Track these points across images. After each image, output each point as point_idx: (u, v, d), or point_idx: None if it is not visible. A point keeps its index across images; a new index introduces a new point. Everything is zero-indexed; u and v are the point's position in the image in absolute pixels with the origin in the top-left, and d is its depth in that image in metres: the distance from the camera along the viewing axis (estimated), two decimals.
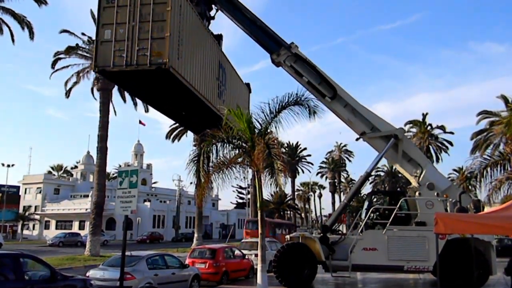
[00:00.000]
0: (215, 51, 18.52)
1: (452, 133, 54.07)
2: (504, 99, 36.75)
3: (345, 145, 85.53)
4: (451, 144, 53.83)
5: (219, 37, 19.38)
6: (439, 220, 7.10)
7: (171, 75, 13.79)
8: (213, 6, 18.44)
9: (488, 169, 18.81)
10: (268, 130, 15.37)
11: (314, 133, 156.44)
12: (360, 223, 16.26)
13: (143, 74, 14.09)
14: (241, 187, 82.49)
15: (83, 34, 31.94)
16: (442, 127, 53.14)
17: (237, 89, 22.07)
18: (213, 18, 18.82)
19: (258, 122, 15.50)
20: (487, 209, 14.77)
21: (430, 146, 52.01)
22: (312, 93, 17.42)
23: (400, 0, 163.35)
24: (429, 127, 52.62)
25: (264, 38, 18.03)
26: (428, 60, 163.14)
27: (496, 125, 33.66)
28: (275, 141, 15.77)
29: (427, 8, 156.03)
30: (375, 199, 18.71)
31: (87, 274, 12.68)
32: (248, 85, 24.13)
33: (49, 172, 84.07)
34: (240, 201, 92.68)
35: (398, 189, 65.73)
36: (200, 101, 16.47)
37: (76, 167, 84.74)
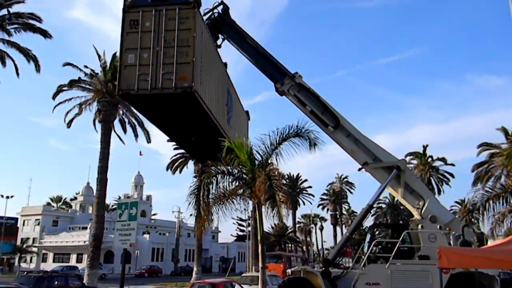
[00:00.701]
0: (225, 78, 18.97)
1: (453, 165, 54.02)
2: (504, 131, 36.92)
3: (346, 177, 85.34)
4: (452, 176, 53.72)
5: (225, 65, 19.78)
6: (442, 254, 7.00)
7: (194, 99, 13.99)
8: (220, 35, 18.83)
9: (490, 201, 18.66)
10: (269, 162, 15.40)
11: (315, 165, 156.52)
12: (363, 256, 16.00)
13: (167, 98, 14.24)
14: (241, 219, 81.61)
15: (85, 67, 32.45)
16: (443, 159, 53.15)
17: (240, 116, 22.37)
18: (219, 46, 19.17)
19: (259, 153, 15.57)
20: (490, 242, 14.57)
21: (432, 178, 51.85)
22: (315, 122, 17.55)
23: (398, 35, 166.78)
24: (429, 159, 52.63)
25: (269, 68, 18.32)
26: (427, 92, 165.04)
27: (496, 157, 33.71)
28: (276, 172, 15.78)
29: (425, 43, 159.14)
30: (377, 232, 18.47)
31: None
32: (247, 112, 24.45)
33: (48, 204, 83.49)
34: (241, 233, 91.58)
35: (400, 221, 65.09)
36: (214, 126, 16.63)
37: (75, 198, 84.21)
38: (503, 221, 18.60)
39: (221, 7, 18.64)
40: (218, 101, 17.21)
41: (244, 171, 15.59)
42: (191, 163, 43.81)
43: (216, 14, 18.50)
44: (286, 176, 69.56)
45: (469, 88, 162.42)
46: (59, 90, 32.19)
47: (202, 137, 18.06)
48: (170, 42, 13.99)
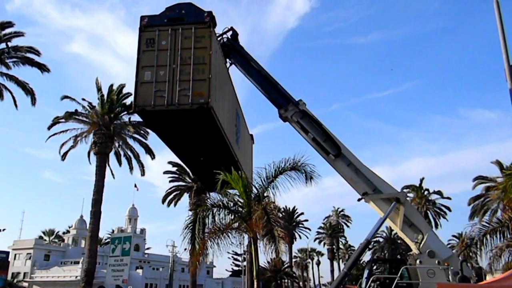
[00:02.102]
0: (234, 99, 19.22)
1: (449, 198, 53.89)
2: (499, 164, 37.10)
3: (342, 210, 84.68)
4: (449, 209, 53.51)
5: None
6: None
7: (210, 115, 14.16)
8: (227, 60, 19.09)
9: (488, 236, 18.52)
10: (265, 195, 15.31)
11: (311, 198, 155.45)
12: None
13: (183, 114, 14.40)
14: (236, 254, 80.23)
15: (83, 99, 32.70)
16: (439, 192, 53.08)
17: (246, 139, 22.50)
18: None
19: (255, 187, 15.49)
20: (489, 278, 14.35)
21: (428, 212, 51.61)
22: (317, 150, 17.61)
23: (392, 70, 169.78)
24: (426, 192, 52.54)
25: (274, 94, 18.54)
26: (422, 125, 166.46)
27: (492, 191, 33.70)
28: (272, 205, 15.66)
29: (417, 77, 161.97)
30: (375, 267, 18.19)
31: None
32: (252, 136, 24.58)
33: (40, 237, 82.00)
34: (236, 268, 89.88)
35: (398, 256, 64.21)
36: (225, 145, 16.71)
37: (68, 231, 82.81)
38: (501, 255, 18.42)
39: (230, 32, 19.05)
40: (229, 121, 17.38)
41: (240, 204, 15.46)
42: (186, 196, 43.49)
43: (225, 39, 18.88)
44: (282, 209, 69.08)
45: (463, 122, 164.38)
46: (55, 122, 32.35)
47: (212, 157, 18.09)
48: (186, 59, 14.30)
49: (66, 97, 32.07)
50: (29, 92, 27.95)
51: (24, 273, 66.67)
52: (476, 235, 19.04)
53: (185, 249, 15.53)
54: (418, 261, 15.77)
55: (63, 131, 32.70)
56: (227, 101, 17.19)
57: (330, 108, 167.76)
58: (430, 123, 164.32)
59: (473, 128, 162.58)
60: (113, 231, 65.62)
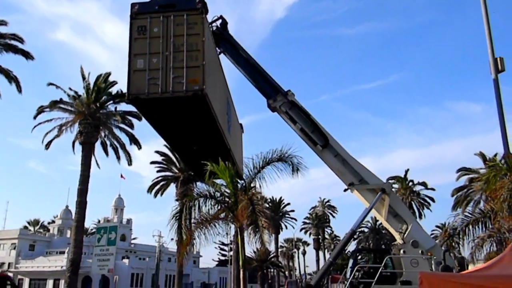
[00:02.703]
0: (226, 86, 19.10)
1: (433, 189, 54.74)
2: (482, 156, 37.73)
3: (328, 201, 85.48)
4: (433, 200, 54.40)
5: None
6: (424, 279, 7.00)
7: (204, 102, 14.05)
8: (217, 49, 18.99)
9: (470, 226, 18.88)
10: (252, 186, 15.38)
11: (298, 189, 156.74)
12: (345, 282, 15.91)
13: (177, 101, 14.26)
14: (223, 244, 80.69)
15: (70, 88, 32.26)
16: (423, 184, 53.86)
17: (236, 128, 22.49)
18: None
19: (244, 179, 15.54)
20: (471, 267, 14.65)
21: (413, 202, 52.37)
22: (305, 140, 17.70)
23: (379, 61, 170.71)
24: (410, 183, 53.25)
25: (263, 83, 18.54)
26: (408, 117, 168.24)
27: (475, 182, 34.25)
28: (259, 196, 15.75)
29: (404, 69, 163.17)
30: (360, 257, 18.44)
31: None
32: (241, 125, 24.59)
33: (25, 227, 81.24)
34: (222, 258, 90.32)
35: (383, 246, 65.13)
36: (218, 133, 16.64)
37: (53, 222, 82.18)
38: (482, 245, 18.79)
39: (219, 21, 18.91)
40: (221, 109, 17.31)
41: (227, 194, 15.51)
42: (172, 186, 43.36)
43: (214, 28, 18.75)
44: (269, 200, 69.41)
45: (448, 114, 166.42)
46: (40, 111, 31.86)
47: (205, 146, 18.06)
48: (179, 46, 14.12)
49: (51, 84, 31.60)
50: (13, 79, 27.40)
51: (9, 263, 66.09)
52: (459, 226, 19.41)
53: (172, 239, 15.58)
54: (402, 251, 16.04)
55: (48, 121, 32.25)
56: (219, 89, 17.15)
57: (319, 99, 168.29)
58: (416, 115, 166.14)
59: (458, 120, 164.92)
60: (99, 221, 65.29)
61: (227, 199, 15.26)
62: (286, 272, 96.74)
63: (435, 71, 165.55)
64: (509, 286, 7.01)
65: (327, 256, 71.16)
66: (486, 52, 19.70)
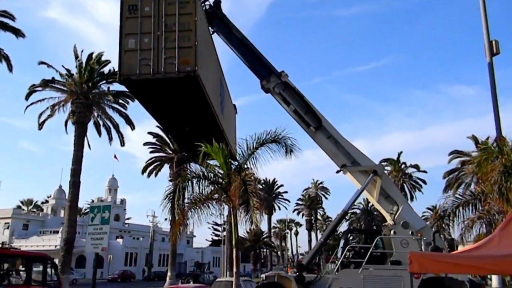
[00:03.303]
0: (218, 67, 18.88)
1: (425, 171, 55.23)
2: (475, 139, 38.00)
3: (321, 182, 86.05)
4: (424, 182, 54.92)
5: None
6: (413, 259, 7.10)
7: (197, 83, 13.90)
8: (209, 28, 18.75)
9: (460, 208, 19.11)
10: (245, 167, 15.40)
11: (291, 170, 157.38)
12: (336, 261, 16.13)
13: (169, 82, 14.09)
14: (216, 224, 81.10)
15: (62, 66, 31.82)
16: (416, 166, 54.26)
17: (230, 109, 22.38)
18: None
19: (237, 160, 15.55)
20: (460, 248, 14.90)
21: (404, 185, 52.85)
22: (298, 122, 17.69)
23: (374, 43, 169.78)
24: (403, 166, 53.62)
25: (256, 64, 18.40)
26: (401, 100, 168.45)
27: (467, 165, 34.61)
28: (252, 177, 15.79)
29: (399, 51, 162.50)
30: (351, 237, 18.69)
31: None
32: (234, 106, 24.49)
33: (18, 207, 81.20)
34: (216, 238, 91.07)
35: (374, 227, 65.94)
36: (211, 115, 16.53)
37: (47, 201, 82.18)
38: (472, 227, 19.07)
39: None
40: (214, 90, 17.13)
41: (220, 175, 15.53)
42: (166, 167, 43.39)
43: (207, 7, 18.47)
44: (262, 181, 69.72)
45: (441, 97, 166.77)
46: (32, 90, 31.43)
47: (197, 127, 17.97)
48: (171, 26, 13.89)
49: (42, 63, 31.12)
50: (3, 58, 26.94)
51: (2, 243, 65.80)
52: (449, 207, 19.64)
53: (166, 219, 15.65)
54: (392, 232, 16.26)
55: (40, 100, 31.83)
56: (212, 70, 16.96)
57: (312, 81, 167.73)
58: (409, 98, 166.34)
59: (451, 103, 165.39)
60: (92, 201, 65.25)
61: (220, 180, 15.27)
62: (279, 252, 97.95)
63: (429, 54, 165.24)
64: (498, 266, 7.14)
65: (319, 236, 71.86)
66: (481, 35, 19.68)
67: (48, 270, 16.79)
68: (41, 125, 32.14)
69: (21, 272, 16.53)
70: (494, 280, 42.12)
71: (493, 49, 19.16)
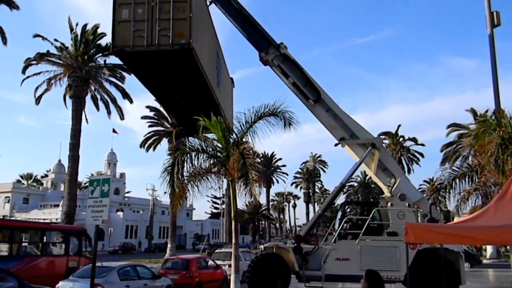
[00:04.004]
0: (215, 40, 18.65)
1: (423, 145, 55.43)
2: (473, 112, 37.98)
3: (319, 156, 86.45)
4: (422, 155, 55.19)
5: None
6: (409, 229, 7.18)
7: (191, 56, 13.71)
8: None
9: (457, 180, 19.23)
10: (243, 140, 15.41)
11: (290, 144, 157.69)
12: (334, 233, 16.36)
13: (163, 55, 13.92)
14: (216, 197, 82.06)
15: (55, 40, 31.39)
16: (414, 139, 54.39)
17: (227, 82, 22.20)
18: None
19: (234, 131, 15.54)
20: (456, 220, 15.10)
21: (402, 158, 53.06)
22: (297, 94, 17.60)
23: (374, 15, 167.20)
24: (401, 139, 53.72)
25: (255, 36, 18.14)
26: (401, 73, 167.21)
27: (465, 138, 34.65)
28: (250, 151, 15.81)
29: (399, 23, 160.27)
30: (348, 209, 18.89)
31: (56, 286, 12.33)
32: (232, 79, 24.31)
33: (18, 181, 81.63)
34: (215, 211, 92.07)
35: (371, 199, 66.63)
36: (206, 88, 16.40)
37: (46, 176, 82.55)
38: (468, 199, 19.22)
39: None
40: (210, 63, 16.93)
41: (219, 149, 15.55)
42: (165, 141, 43.43)
43: None
44: (261, 155, 70.00)
45: (441, 70, 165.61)
46: (27, 64, 31.14)
47: (193, 101, 17.85)
48: None
49: (37, 35, 30.71)
50: None
51: (3, 216, 66.84)
52: (446, 180, 19.77)
53: (165, 193, 15.76)
54: (389, 204, 16.44)
55: (36, 74, 31.58)
56: (208, 42, 16.70)
57: (311, 54, 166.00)
58: (409, 71, 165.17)
59: (451, 76, 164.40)
60: (92, 175, 65.53)
61: (219, 154, 15.30)
62: (277, 224, 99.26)
63: (430, 26, 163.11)
64: (492, 237, 7.23)
65: (317, 209, 72.72)
66: (482, 6, 19.40)
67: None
68: (38, 100, 32.00)
69: (60, 244, 18.75)
70: (489, 250, 43.05)
71: (493, 20, 18.94)
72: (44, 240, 18.15)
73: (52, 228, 19.81)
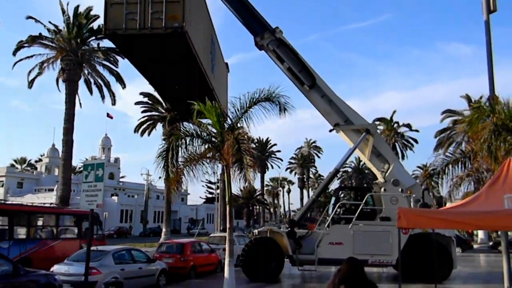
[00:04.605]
0: (210, 24, 18.49)
1: (417, 131, 55.72)
2: (468, 98, 38.07)
3: (314, 142, 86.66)
4: (416, 141, 55.54)
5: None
6: (401, 214, 7.27)
7: (184, 40, 13.57)
8: None
9: (450, 166, 19.43)
10: (238, 125, 15.37)
11: (284, 129, 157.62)
12: (327, 218, 16.52)
13: (156, 38, 13.77)
14: (210, 182, 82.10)
15: (49, 22, 30.99)
16: (408, 125, 54.63)
17: (221, 67, 22.08)
18: None
19: (228, 117, 15.49)
20: (448, 205, 15.28)
21: (396, 144, 53.35)
22: (292, 80, 17.58)
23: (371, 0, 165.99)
24: (395, 125, 53.92)
25: (250, 20, 18.04)
26: (397, 59, 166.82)
27: (459, 124, 34.83)
28: (245, 136, 15.80)
29: (397, 8, 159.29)
30: (342, 195, 19.07)
31: (51, 269, 12.39)
32: (226, 64, 24.15)
33: (12, 165, 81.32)
34: (210, 196, 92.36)
35: (365, 185, 67.09)
36: (200, 73, 16.29)
37: (40, 160, 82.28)
38: (460, 184, 19.46)
39: None
40: (204, 47, 16.79)
41: (213, 134, 15.52)
42: (159, 126, 43.26)
43: None
44: (256, 140, 70.04)
45: (438, 56, 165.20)
46: (19, 46, 30.73)
47: (186, 86, 17.76)
48: None
49: (30, 17, 30.28)
50: None
51: None
52: (439, 165, 19.95)
53: (160, 178, 15.73)
54: (382, 189, 16.59)
55: (29, 57, 31.19)
56: (202, 26, 16.53)
57: (308, 39, 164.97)
58: (406, 56, 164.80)
59: (447, 62, 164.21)
60: (86, 159, 65.35)
61: (213, 139, 15.28)
62: (271, 209, 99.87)
63: (427, 11, 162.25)
64: (484, 222, 7.35)
65: (311, 194, 73.18)
66: None
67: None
68: (31, 83, 31.68)
69: (73, 228, 19.88)
70: (481, 236, 43.62)
71: (490, 5, 18.85)
72: (59, 224, 19.14)
73: (65, 213, 20.99)
